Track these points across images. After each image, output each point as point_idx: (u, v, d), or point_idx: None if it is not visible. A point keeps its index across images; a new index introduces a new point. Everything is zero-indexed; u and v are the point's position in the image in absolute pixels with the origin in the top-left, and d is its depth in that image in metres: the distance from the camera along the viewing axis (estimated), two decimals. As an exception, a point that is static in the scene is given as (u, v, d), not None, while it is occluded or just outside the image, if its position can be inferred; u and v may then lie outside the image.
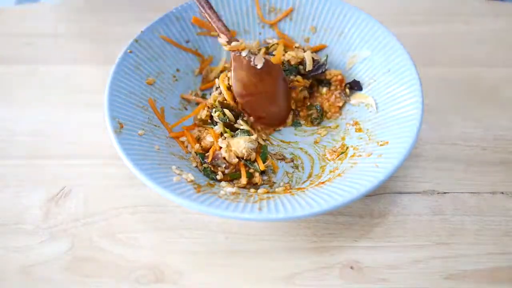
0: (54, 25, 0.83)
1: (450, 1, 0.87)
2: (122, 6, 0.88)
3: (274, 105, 0.66)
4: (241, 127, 0.61)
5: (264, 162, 0.60)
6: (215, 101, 0.63)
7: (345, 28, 0.70)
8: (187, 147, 0.64)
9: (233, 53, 0.61)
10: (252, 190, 0.58)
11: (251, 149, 0.59)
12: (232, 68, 0.62)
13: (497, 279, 0.54)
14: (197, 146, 0.62)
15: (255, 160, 0.60)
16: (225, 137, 0.60)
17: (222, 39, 0.62)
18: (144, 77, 0.65)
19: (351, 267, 0.55)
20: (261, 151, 0.61)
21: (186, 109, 0.69)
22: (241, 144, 0.59)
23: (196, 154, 0.61)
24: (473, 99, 0.72)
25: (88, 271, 0.55)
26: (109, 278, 0.54)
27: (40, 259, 0.56)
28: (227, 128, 0.62)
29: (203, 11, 0.63)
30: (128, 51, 0.64)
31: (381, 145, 0.58)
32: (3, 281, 0.54)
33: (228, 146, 0.59)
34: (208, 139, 0.62)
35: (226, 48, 0.62)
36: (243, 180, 0.58)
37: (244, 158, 0.59)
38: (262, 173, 0.61)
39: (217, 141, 0.60)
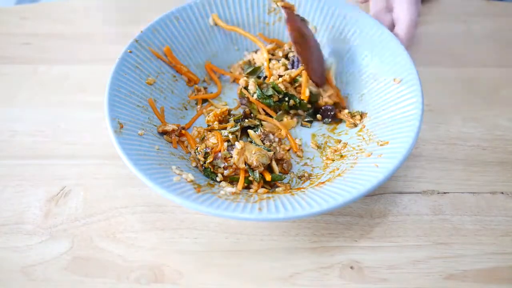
0: (54, 25, 0.83)
1: (450, 1, 0.87)
2: (122, 6, 0.88)
3: (315, 59, 0.68)
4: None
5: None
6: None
7: (345, 28, 0.70)
8: (187, 147, 0.64)
9: (285, 10, 0.65)
10: (252, 190, 0.58)
11: (262, 163, 0.59)
12: (287, 21, 0.64)
13: (497, 279, 0.54)
14: (202, 145, 0.61)
15: (261, 173, 0.59)
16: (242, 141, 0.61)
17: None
18: (144, 77, 0.65)
19: (351, 267, 0.55)
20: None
21: (186, 109, 0.69)
22: (253, 152, 0.59)
23: (197, 154, 0.61)
24: (473, 99, 0.72)
25: (88, 271, 0.55)
26: (109, 278, 0.54)
27: (40, 259, 0.56)
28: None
29: None
30: (128, 51, 0.64)
31: (381, 145, 0.58)
32: (3, 281, 0.54)
33: (242, 149, 0.59)
34: (212, 140, 0.61)
35: (280, 4, 0.66)
36: (239, 186, 0.58)
37: (251, 167, 0.59)
38: (267, 182, 0.60)
39: (222, 144, 0.60)
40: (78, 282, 0.54)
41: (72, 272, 0.55)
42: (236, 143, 0.60)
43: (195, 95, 0.70)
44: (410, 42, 0.68)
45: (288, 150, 0.65)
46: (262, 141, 0.63)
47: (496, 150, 0.66)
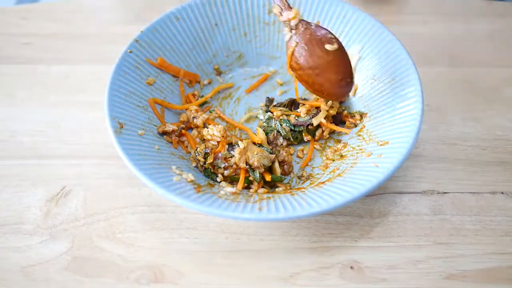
0: (54, 25, 0.83)
1: (450, 1, 0.88)
2: (122, 6, 0.88)
3: (331, 70, 0.59)
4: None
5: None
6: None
7: (345, 28, 0.70)
8: (187, 147, 0.64)
9: (293, 30, 0.58)
10: (252, 190, 0.58)
11: (262, 164, 0.59)
12: (295, 43, 0.58)
13: (497, 279, 0.54)
14: (202, 146, 0.61)
15: (261, 173, 0.59)
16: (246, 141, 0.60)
17: (284, 17, 0.58)
18: (144, 77, 0.65)
19: (351, 267, 0.55)
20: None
21: (186, 108, 0.69)
22: (255, 153, 0.59)
23: (197, 155, 0.61)
24: (473, 99, 0.72)
25: (88, 271, 0.55)
26: (109, 278, 0.54)
27: (40, 259, 0.56)
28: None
29: None
30: (128, 51, 0.64)
31: (381, 145, 0.58)
32: (3, 281, 0.54)
33: (244, 148, 0.59)
34: (212, 142, 0.61)
35: (292, 22, 0.58)
36: (239, 186, 0.58)
37: (252, 167, 0.59)
38: (267, 182, 0.60)
39: (223, 146, 0.60)
40: (78, 282, 0.54)
41: (72, 272, 0.55)
42: (239, 142, 0.60)
43: (190, 101, 0.69)
44: None
45: (292, 154, 0.65)
46: (268, 142, 0.64)
47: (496, 150, 0.66)
